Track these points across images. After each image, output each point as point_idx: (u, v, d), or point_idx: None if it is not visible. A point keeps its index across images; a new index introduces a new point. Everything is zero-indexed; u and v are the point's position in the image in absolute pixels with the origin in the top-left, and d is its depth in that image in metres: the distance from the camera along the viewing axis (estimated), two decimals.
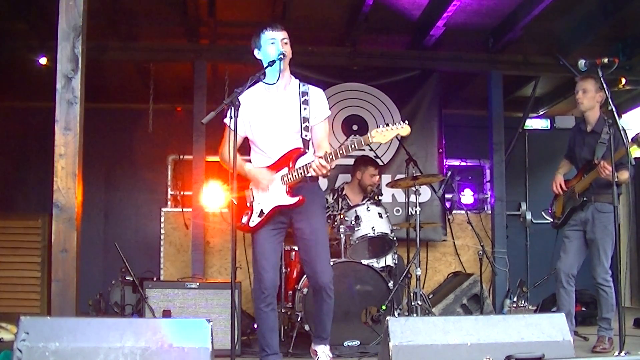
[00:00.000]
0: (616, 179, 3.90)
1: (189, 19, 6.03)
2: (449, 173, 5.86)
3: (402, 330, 2.86)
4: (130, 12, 6.01)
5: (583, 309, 5.85)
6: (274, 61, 3.60)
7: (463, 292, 6.02)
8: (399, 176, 6.25)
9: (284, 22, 5.38)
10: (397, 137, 3.66)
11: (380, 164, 6.26)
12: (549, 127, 8.12)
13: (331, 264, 3.98)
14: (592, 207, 4.56)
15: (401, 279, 5.03)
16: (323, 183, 5.95)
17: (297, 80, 3.86)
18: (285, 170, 3.70)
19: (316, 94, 3.84)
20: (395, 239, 5.29)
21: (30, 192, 7.18)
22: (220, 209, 6.57)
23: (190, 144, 6.40)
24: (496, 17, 6.11)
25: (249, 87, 3.47)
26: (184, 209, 6.75)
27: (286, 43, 3.72)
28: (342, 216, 5.10)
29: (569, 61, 6.30)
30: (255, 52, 3.78)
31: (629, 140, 4.15)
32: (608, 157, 4.12)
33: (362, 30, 6.20)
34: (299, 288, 4.87)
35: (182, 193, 7.00)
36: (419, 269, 5.00)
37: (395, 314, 4.85)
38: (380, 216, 5.24)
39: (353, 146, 3.59)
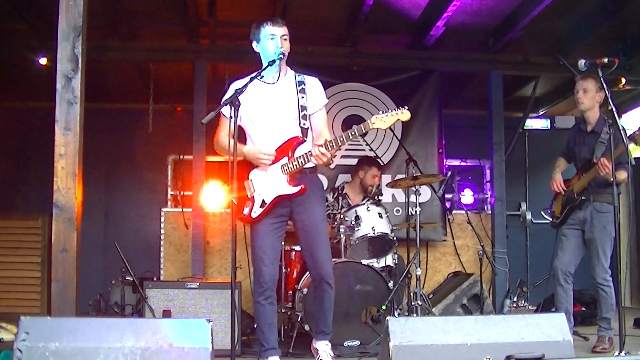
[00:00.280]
0: (615, 179, 3.90)
1: (189, 19, 6.03)
2: (449, 173, 5.87)
3: (402, 330, 2.86)
4: (130, 12, 6.01)
5: (583, 308, 5.85)
6: (274, 61, 3.60)
7: (463, 292, 6.02)
8: (399, 176, 6.25)
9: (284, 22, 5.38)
10: (392, 131, 3.63)
11: (381, 164, 6.27)
12: (549, 127, 8.13)
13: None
14: (590, 206, 4.55)
15: (401, 279, 5.03)
16: (323, 182, 5.95)
17: (293, 71, 3.86)
18: (285, 160, 3.70)
19: (312, 82, 3.84)
20: (395, 239, 5.29)
21: (30, 192, 7.18)
22: (221, 209, 6.57)
23: (190, 144, 6.40)
24: (496, 17, 6.11)
25: (247, 85, 3.47)
26: (184, 209, 6.75)
27: (285, 39, 3.71)
28: (342, 216, 5.10)
29: (569, 61, 6.30)
30: (254, 44, 3.78)
31: (628, 139, 4.15)
32: (607, 156, 4.13)
33: (362, 30, 6.20)
34: (299, 288, 4.87)
35: (182, 193, 7.01)
36: (419, 269, 5.00)
37: (395, 314, 4.85)
38: (380, 216, 5.24)
39: (353, 133, 3.58)
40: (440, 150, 6.84)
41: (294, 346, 4.48)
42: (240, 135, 3.86)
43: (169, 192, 7.06)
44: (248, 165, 3.85)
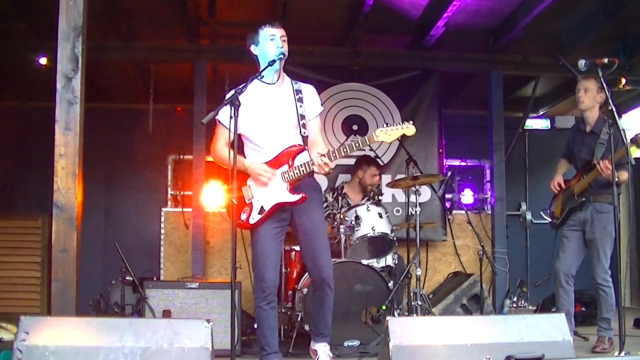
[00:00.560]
0: (616, 179, 3.90)
1: (189, 19, 6.03)
2: (449, 173, 5.86)
3: (402, 330, 2.86)
4: (130, 12, 6.01)
5: (583, 309, 5.85)
6: (274, 61, 3.60)
7: (463, 292, 6.02)
8: (399, 176, 6.24)
9: (284, 22, 5.35)
10: (397, 139, 3.68)
11: (381, 164, 6.26)
12: (549, 127, 8.12)
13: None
14: (591, 207, 4.55)
15: (401, 279, 5.03)
16: (323, 183, 5.95)
17: (289, 78, 3.86)
18: (285, 167, 3.70)
19: (309, 91, 3.85)
20: (395, 239, 5.28)
21: (30, 192, 7.17)
22: (219, 209, 6.57)
23: (190, 144, 6.40)
24: (496, 17, 6.11)
25: (247, 85, 3.47)
26: (184, 209, 6.75)
27: (284, 40, 3.71)
28: (342, 216, 5.10)
29: (569, 61, 6.29)
30: (252, 48, 3.77)
31: (629, 141, 4.15)
32: (608, 157, 4.13)
33: (362, 30, 6.20)
34: (299, 288, 4.87)
35: (182, 193, 7.01)
36: (419, 269, 5.00)
37: (395, 314, 4.85)
38: (380, 216, 5.24)
39: (357, 145, 3.59)
40: (441, 150, 6.84)
41: (293, 346, 4.49)
42: (239, 145, 3.86)
43: (169, 192, 7.06)
44: None
